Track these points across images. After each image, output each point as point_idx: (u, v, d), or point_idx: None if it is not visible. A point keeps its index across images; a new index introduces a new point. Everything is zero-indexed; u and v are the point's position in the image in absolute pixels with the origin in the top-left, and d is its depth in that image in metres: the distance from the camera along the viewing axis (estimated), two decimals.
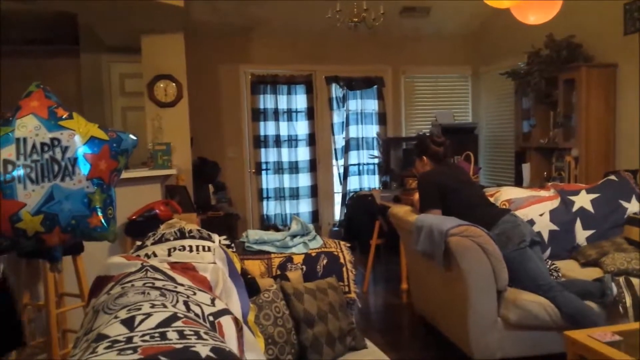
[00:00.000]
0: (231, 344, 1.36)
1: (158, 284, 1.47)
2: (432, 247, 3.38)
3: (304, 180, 7.71)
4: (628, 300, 3.18)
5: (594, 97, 5.29)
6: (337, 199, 7.89)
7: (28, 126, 2.05)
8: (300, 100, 7.60)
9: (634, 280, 3.30)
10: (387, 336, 4.11)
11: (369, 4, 5.48)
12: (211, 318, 1.38)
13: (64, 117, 2.13)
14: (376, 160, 7.71)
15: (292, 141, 7.59)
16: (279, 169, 7.56)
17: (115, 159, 2.13)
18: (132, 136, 2.24)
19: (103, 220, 2.11)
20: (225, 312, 1.47)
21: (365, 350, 2.56)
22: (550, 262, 3.75)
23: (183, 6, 4.91)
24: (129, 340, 1.05)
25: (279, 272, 2.73)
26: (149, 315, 1.17)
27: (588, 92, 5.27)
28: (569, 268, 3.78)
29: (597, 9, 5.38)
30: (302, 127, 7.63)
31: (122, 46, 6.35)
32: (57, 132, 2.07)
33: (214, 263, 1.90)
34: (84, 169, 2.06)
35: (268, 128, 7.44)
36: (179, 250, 1.94)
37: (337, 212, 7.86)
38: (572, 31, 5.50)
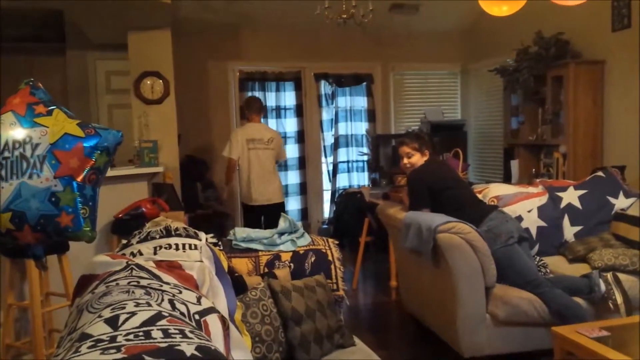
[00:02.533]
0: (217, 343, 1.35)
1: (143, 282, 1.46)
2: (420, 244, 3.38)
3: (292, 177, 7.68)
4: (618, 298, 3.20)
5: (582, 94, 5.32)
6: (326, 196, 7.88)
7: (5, 123, 2.02)
8: (289, 97, 7.57)
9: (622, 276, 3.32)
10: (376, 334, 4.11)
11: (357, 1, 5.46)
12: (197, 316, 1.37)
13: (41, 114, 2.09)
14: (365, 158, 7.71)
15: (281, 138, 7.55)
16: None
17: (91, 157, 2.06)
18: (112, 134, 2.17)
19: (74, 220, 2.05)
20: (211, 310, 1.46)
21: (353, 348, 2.55)
22: (538, 258, 3.76)
23: (170, 2, 4.87)
24: (113, 339, 1.04)
25: (266, 270, 2.72)
26: (133, 314, 1.15)
27: (576, 89, 5.30)
28: (557, 264, 3.80)
29: (585, 6, 5.37)
30: (291, 125, 7.61)
31: (109, 43, 6.30)
32: (30, 129, 2.03)
33: (201, 261, 1.89)
34: (52, 166, 2.00)
35: None
36: (165, 248, 1.92)
37: (327, 210, 7.85)
38: (561, 28, 5.52)
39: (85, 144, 2.06)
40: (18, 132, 2.03)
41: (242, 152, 5.34)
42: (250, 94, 7.32)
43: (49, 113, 2.10)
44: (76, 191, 2.03)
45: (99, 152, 2.08)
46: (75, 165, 2.02)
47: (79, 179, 2.04)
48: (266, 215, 5.43)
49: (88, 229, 2.09)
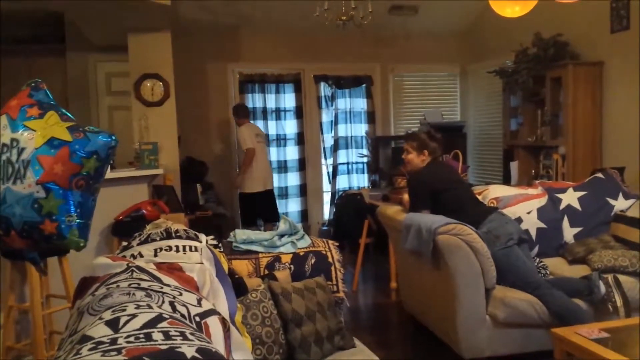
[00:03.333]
0: (218, 345, 1.35)
1: (144, 284, 1.46)
2: (420, 246, 3.38)
3: (292, 179, 7.69)
4: (618, 300, 3.20)
5: (581, 95, 5.32)
6: (326, 198, 7.88)
7: None
8: (288, 99, 7.58)
9: (622, 278, 3.32)
10: (376, 335, 4.11)
11: (357, 2, 5.47)
12: (197, 319, 1.37)
13: (33, 117, 2.01)
14: (365, 159, 7.72)
15: (281, 140, 7.56)
16: None
17: (78, 162, 1.94)
18: (103, 138, 2.00)
19: (59, 228, 1.95)
20: (211, 312, 1.46)
21: (353, 350, 2.56)
22: (538, 259, 3.77)
23: (170, 4, 4.88)
24: (114, 341, 1.05)
25: (266, 272, 2.73)
26: (134, 316, 1.16)
27: (575, 90, 5.30)
28: (557, 266, 3.80)
29: (584, 8, 5.41)
30: (290, 126, 7.61)
31: (109, 45, 6.30)
32: (19, 133, 1.95)
33: (201, 263, 1.89)
34: (35, 172, 1.90)
35: None
36: (165, 250, 1.92)
37: (326, 211, 7.85)
38: (560, 30, 5.53)
39: (71, 149, 1.94)
40: (7, 136, 1.95)
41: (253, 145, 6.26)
42: (250, 95, 7.35)
43: (41, 116, 1.99)
44: (60, 198, 1.93)
45: (86, 157, 1.96)
46: (59, 171, 1.92)
47: (64, 185, 1.93)
48: (264, 200, 6.46)
49: (74, 237, 1.98)
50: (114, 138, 2.05)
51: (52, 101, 2.20)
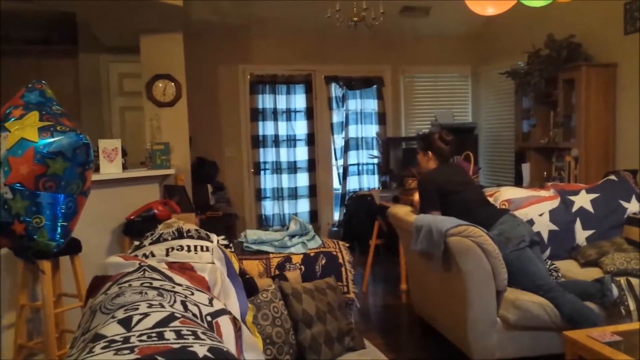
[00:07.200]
0: (229, 344, 1.36)
1: (156, 283, 1.47)
2: (431, 247, 3.37)
3: (302, 180, 7.69)
4: (631, 303, 3.17)
5: (594, 97, 5.29)
6: (337, 199, 7.88)
7: None
8: (299, 100, 7.58)
9: (634, 281, 3.29)
10: (385, 336, 4.11)
11: (368, 4, 5.47)
12: (209, 318, 1.38)
13: (14, 117, 1.94)
14: (375, 160, 7.70)
15: (291, 141, 7.57)
16: (277, 168, 7.55)
17: (43, 163, 1.87)
18: (68, 137, 1.91)
19: (27, 230, 1.87)
20: (223, 312, 1.47)
21: (363, 351, 2.55)
22: (549, 262, 3.74)
23: (182, 6, 4.90)
24: (126, 340, 1.05)
25: (277, 272, 2.73)
26: (146, 315, 1.16)
27: (588, 92, 5.27)
28: (569, 268, 3.78)
29: (597, 9, 5.38)
30: (301, 127, 7.62)
31: (121, 46, 6.34)
32: (1, 135, 1.92)
33: (213, 263, 1.90)
34: (4, 173, 1.86)
35: (267, 128, 7.43)
36: (177, 250, 1.93)
37: (337, 212, 7.85)
38: (572, 31, 5.49)
39: (36, 150, 1.89)
40: None
41: None
42: (260, 96, 7.36)
43: (22, 116, 1.95)
44: (26, 200, 1.88)
45: (50, 158, 1.90)
46: (24, 172, 1.87)
47: (30, 186, 1.87)
48: None
49: (43, 239, 1.88)
50: (82, 137, 1.99)
51: (47, 100, 2.13)
